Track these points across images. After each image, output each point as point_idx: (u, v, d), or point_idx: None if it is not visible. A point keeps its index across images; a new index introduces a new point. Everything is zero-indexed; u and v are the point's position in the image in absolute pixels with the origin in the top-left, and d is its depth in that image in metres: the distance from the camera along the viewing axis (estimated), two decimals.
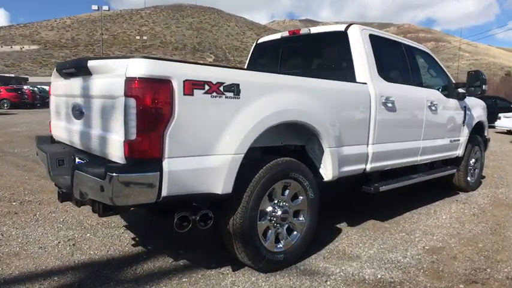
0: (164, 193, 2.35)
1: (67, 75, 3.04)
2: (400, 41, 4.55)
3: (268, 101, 2.81)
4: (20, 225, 4.00)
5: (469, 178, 5.84)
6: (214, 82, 2.50)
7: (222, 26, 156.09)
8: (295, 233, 3.21)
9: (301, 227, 3.22)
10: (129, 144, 2.27)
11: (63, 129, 3.25)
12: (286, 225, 3.16)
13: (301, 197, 3.21)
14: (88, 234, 3.79)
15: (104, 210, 2.62)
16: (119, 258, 3.29)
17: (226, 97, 2.56)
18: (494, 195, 5.82)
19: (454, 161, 5.50)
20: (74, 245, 3.53)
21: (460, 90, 5.14)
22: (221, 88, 2.53)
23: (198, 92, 2.43)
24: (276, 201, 3.02)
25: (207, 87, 2.46)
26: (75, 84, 2.90)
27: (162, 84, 2.27)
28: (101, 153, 2.61)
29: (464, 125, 5.41)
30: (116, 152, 2.39)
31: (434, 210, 4.91)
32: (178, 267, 3.12)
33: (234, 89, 2.60)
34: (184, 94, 2.36)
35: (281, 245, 3.09)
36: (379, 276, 3.03)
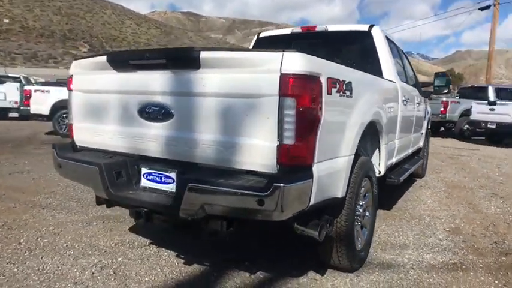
0: (312, 201, 2.14)
1: (135, 67, 2.47)
2: (395, 42, 4.93)
3: (366, 99, 2.79)
4: (14, 259, 3.13)
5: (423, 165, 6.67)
6: (341, 80, 2.37)
7: (97, 13, 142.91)
8: (364, 229, 3.26)
9: (368, 223, 3.28)
10: (286, 150, 2.00)
11: (114, 134, 2.65)
12: (360, 223, 3.18)
13: (368, 194, 3.26)
14: (120, 259, 3.18)
15: (228, 227, 2.26)
16: (187, 280, 2.86)
17: (346, 96, 2.46)
18: (441, 179, 6.77)
19: (417, 152, 6.21)
20: (115, 273, 2.93)
21: (426, 89, 5.83)
22: (344, 86, 2.42)
23: (333, 91, 2.27)
24: (361, 201, 3.02)
25: (338, 86, 2.33)
26: (157, 78, 2.39)
27: (316, 82, 2.07)
28: (218, 162, 2.23)
29: (425, 119, 6.14)
30: (260, 159, 2.08)
31: (417, 196, 5.48)
32: (263, 280, 2.87)
33: (350, 88, 2.51)
34: (327, 93, 2.19)
35: (359, 243, 3.10)
36: (441, 260, 3.29)
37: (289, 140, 1.99)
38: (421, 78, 7.15)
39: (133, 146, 2.58)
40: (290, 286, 2.78)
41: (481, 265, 3.23)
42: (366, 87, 2.84)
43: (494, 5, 20.82)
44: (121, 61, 2.54)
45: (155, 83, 2.40)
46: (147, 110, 2.45)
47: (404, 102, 4.20)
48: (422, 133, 6.04)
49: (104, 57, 2.58)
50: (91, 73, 2.74)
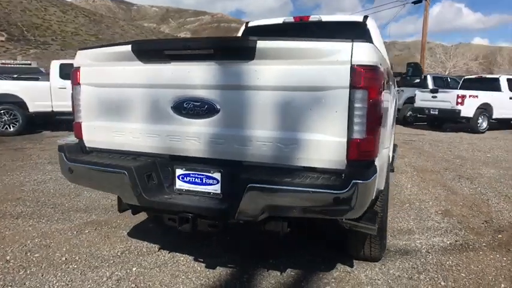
0: (373, 196, 2.10)
1: (170, 58, 2.22)
2: None
3: (393, 90, 2.80)
4: (9, 280, 2.73)
5: None
6: (387, 70, 2.34)
7: None
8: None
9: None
10: (356, 145, 1.93)
11: (141, 132, 2.38)
12: None
13: None
14: (134, 268, 2.92)
15: (288, 227, 2.14)
16: (219, 286, 2.69)
17: (391, 86, 2.45)
18: (408, 164, 7.16)
19: None
20: (136, 286, 2.67)
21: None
22: (389, 77, 2.40)
23: (386, 81, 2.24)
24: None
25: (388, 76, 2.30)
26: (198, 70, 2.17)
27: (381, 73, 2.01)
28: (274, 159, 2.09)
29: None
30: (326, 156, 1.99)
31: (396, 182, 5.72)
32: (298, 278, 2.80)
33: (392, 78, 2.49)
34: (386, 84, 2.15)
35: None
36: (449, 242, 3.47)
37: (359, 134, 1.92)
38: None
39: (165, 146, 2.33)
40: (327, 281, 2.74)
41: (484, 244, 3.46)
42: (391, 78, 2.85)
43: (426, 0, 22.40)
44: (151, 51, 2.26)
45: (196, 75, 2.17)
46: (184, 105, 2.22)
47: (395, 92, 4.33)
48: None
49: (128, 47, 2.28)
50: (107, 64, 2.42)
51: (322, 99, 1.95)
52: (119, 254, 3.15)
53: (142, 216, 4.05)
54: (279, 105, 2.04)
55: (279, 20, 4.53)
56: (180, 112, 2.24)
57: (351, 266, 2.95)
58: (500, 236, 3.65)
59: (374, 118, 1.93)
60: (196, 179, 2.31)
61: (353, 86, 1.89)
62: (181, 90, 2.23)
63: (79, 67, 2.52)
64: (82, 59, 2.50)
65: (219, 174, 2.25)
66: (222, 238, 3.43)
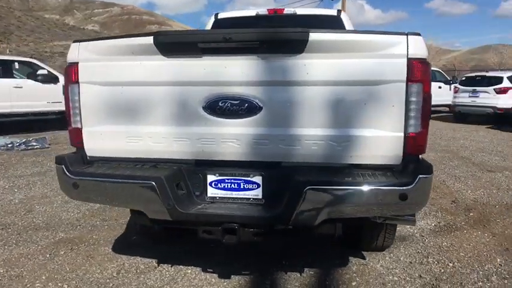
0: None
1: (201, 52, 1.96)
2: None
3: None
4: None
5: None
6: None
7: None
8: None
9: None
10: (413, 140, 1.92)
11: (164, 136, 2.09)
12: None
13: None
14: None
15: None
16: None
17: None
18: None
19: None
20: None
21: None
22: None
23: None
24: None
25: None
26: (236, 65, 1.96)
27: (430, 66, 2.01)
28: (325, 159, 1.99)
29: None
30: (382, 152, 1.94)
31: None
32: (320, 277, 2.74)
33: None
34: None
35: None
36: (434, 224, 3.71)
37: (414, 128, 1.91)
38: None
39: (195, 150, 2.08)
40: (349, 276, 2.73)
41: (462, 223, 3.76)
42: None
43: None
44: (181, 44, 1.97)
45: (235, 71, 1.96)
46: (220, 104, 1.99)
47: None
48: None
49: (148, 39, 1.97)
50: (118, 59, 2.06)
51: (377, 93, 1.89)
52: (115, 275, 2.77)
53: (118, 228, 3.66)
54: (330, 101, 1.93)
55: (252, 12, 4.37)
56: (214, 112, 2.01)
57: (363, 258, 2.98)
58: (471, 214, 4.01)
59: (427, 111, 1.92)
60: (233, 185, 2.10)
61: (410, 80, 1.86)
62: (216, 87, 1.99)
63: (76, 62, 2.11)
64: (81, 52, 2.10)
65: (260, 177, 2.07)
66: (217, 244, 3.19)
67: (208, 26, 4.42)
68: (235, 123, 2.01)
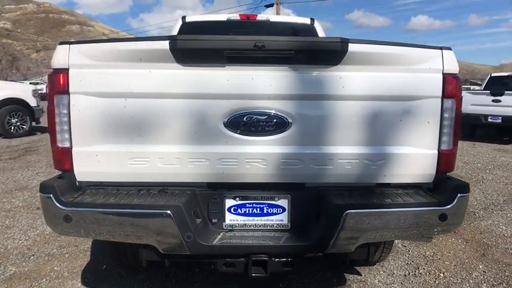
0: None
1: (225, 61, 1.71)
2: None
3: None
4: None
5: None
6: None
7: None
8: None
9: None
10: (446, 157, 1.87)
11: (178, 156, 1.79)
12: None
13: None
14: None
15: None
16: None
17: None
18: None
19: None
20: None
21: None
22: None
23: None
24: None
25: None
26: (265, 76, 1.75)
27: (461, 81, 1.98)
28: (357, 179, 1.87)
29: None
30: (415, 170, 1.87)
31: None
32: None
33: None
34: None
35: None
36: None
37: (447, 145, 1.87)
38: None
39: (213, 172, 1.81)
40: None
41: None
42: None
43: (277, 4, 24.38)
44: (202, 51, 1.70)
45: (262, 82, 1.75)
46: (244, 120, 1.76)
47: None
48: None
49: (163, 44, 1.67)
50: (119, 66, 1.72)
51: (413, 109, 1.81)
52: None
53: (82, 256, 3.18)
54: (366, 117, 1.81)
55: (223, 17, 4.15)
56: (236, 129, 1.77)
57: (359, 274, 2.91)
58: None
59: (458, 128, 1.89)
60: (255, 210, 1.88)
61: (445, 96, 1.81)
62: (240, 101, 1.76)
63: (66, 69, 1.73)
64: (73, 57, 1.72)
65: (286, 201, 1.88)
66: (199, 271, 2.91)
67: (175, 30, 4.10)
68: (261, 141, 1.79)
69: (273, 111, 1.77)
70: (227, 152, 1.80)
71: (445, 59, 1.81)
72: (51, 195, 1.68)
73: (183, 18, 4.12)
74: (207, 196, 1.86)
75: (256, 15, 4.14)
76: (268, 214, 1.88)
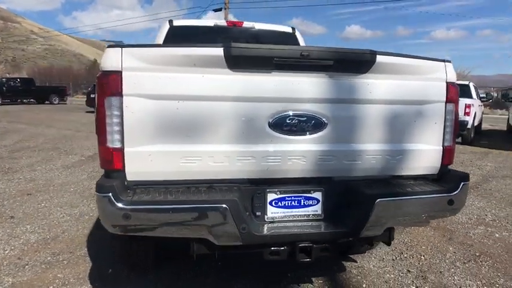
0: None
1: (273, 68, 1.89)
2: None
3: None
4: None
5: None
6: None
7: None
8: None
9: None
10: (448, 152, 2.23)
11: (227, 155, 1.93)
12: None
13: None
14: None
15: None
16: None
17: None
18: None
19: None
20: None
21: None
22: None
23: None
24: None
25: None
26: (305, 82, 1.96)
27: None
28: (380, 172, 2.15)
29: None
30: (425, 163, 2.20)
31: None
32: (330, 284, 2.87)
33: None
34: None
35: None
36: None
37: (449, 142, 2.22)
38: None
39: (259, 168, 1.98)
40: (356, 280, 2.92)
41: None
42: None
43: (225, 8, 24.62)
44: (255, 58, 1.86)
45: (305, 87, 1.96)
46: (287, 121, 1.96)
47: None
48: None
49: (218, 51, 1.81)
50: (173, 70, 1.82)
51: (424, 112, 2.14)
52: None
53: (81, 261, 3.12)
54: (388, 118, 2.09)
55: (210, 23, 4.28)
56: (280, 129, 1.96)
57: (354, 261, 3.22)
58: None
59: (456, 127, 2.25)
60: (293, 202, 2.07)
61: (448, 100, 2.16)
62: (284, 104, 1.95)
63: (119, 71, 1.79)
64: (126, 60, 1.79)
65: (320, 193, 2.10)
66: (208, 268, 3.03)
67: (162, 33, 4.15)
68: (301, 140, 2.00)
69: (311, 113, 1.99)
70: (271, 151, 1.97)
71: (447, 70, 2.17)
72: (110, 194, 1.73)
73: (170, 22, 4.18)
74: (251, 191, 2.02)
75: (243, 22, 4.32)
76: (304, 206, 2.09)
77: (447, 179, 2.20)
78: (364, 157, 2.10)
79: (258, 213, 2.04)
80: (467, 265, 3.22)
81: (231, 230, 1.82)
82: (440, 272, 3.09)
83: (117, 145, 1.84)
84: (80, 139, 10.49)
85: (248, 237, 1.86)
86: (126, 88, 1.80)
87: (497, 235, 3.93)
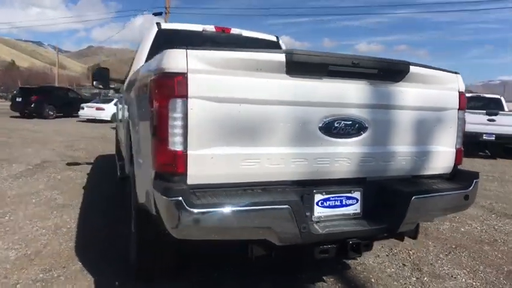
0: None
1: (325, 74, 1.99)
2: None
3: None
4: None
5: None
6: None
7: None
8: None
9: None
10: (459, 153, 2.51)
11: (282, 158, 1.98)
12: None
13: None
14: None
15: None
16: None
17: None
18: None
19: None
20: None
21: None
22: None
23: None
24: None
25: None
26: (350, 89, 2.09)
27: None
28: (408, 172, 2.36)
29: None
30: (442, 163, 2.45)
31: None
32: (341, 282, 3.02)
33: None
34: None
35: None
36: None
37: (459, 145, 2.50)
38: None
39: (309, 170, 2.05)
40: (363, 276, 3.11)
41: None
42: None
43: (166, 13, 24.15)
44: (313, 65, 1.94)
45: (351, 93, 2.09)
46: (335, 124, 2.07)
47: None
48: None
49: (280, 56, 1.87)
50: (238, 74, 1.83)
51: (443, 117, 2.39)
52: None
53: (80, 276, 2.91)
54: (415, 123, 2.30)
55: (198, 27, 4.25)
56: (328, 132, 2.06)
57: (355, 259, 3.40)
58: None
59: (464, 131, 2.54)
60: (336, 202, 2.18)
61: (459, 108, 2.44)
62: (333, 109, 2.06)
63: (184, 73, 1.76)
64: (191, 62, 1.76)
65: (359, 193, 2.23)
66: (221, 274, 3.02)
67: (150, 36, 4.04)
68: (347, 142, 2.12)
69: (355, 118, 2.12)
70: (321, 153, 2.07)
71: (459, 81, 2.45)
72: (181, 198, 1.68)
73: (158, 25, 4.08)
74: (301, 192, 2.09)
75: (230, 29, 4.36)
76: (346, 205, 2.21)
77: (459, 177, 2.47)
78: (396, 158, 2.28)
79: (308, 213, 2.11)
80: (449, 256, 3.59)
81: (293, 230, 1.87)
82: (431, 263, 3.40)
83: (180, 148, 1.79)
84: (17, 146, 9.58)
85: (307, 236, 1.93)
86: (191, 90, 1.78)
87: (462, 229, 4.41)
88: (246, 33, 4.45)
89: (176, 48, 1.79)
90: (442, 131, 2.42)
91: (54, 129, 14.92)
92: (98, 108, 19.41)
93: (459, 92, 2.45)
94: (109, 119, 19.55)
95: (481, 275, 3.21)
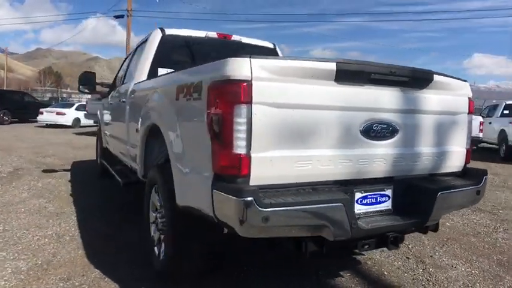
0: None
1: (366, 82, 2.16)
2: None
3: None
4: None
5: None
6: None
7: None
8: None
9: None
10: (469, 153, 2.79)
11: (331, 159, 2.13)
12: None
13: None
14: None
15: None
16: None
17: None
18: None
19: None
20: None
21: None
22: None
23: None
24: None
25: None
26: (385, 95, 2.28)
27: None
28: (429, 170, 2.59)
29: None
30: (455, 162, 2.71)
31: None
32: (351, 277, 3.20)
33: None
34: None
35: None
36: None
37: (468, 145, 2.78)
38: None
39: (352, 170, 2.21)
40: (375, 270, 3.31)
41: None
42: None
43: (128, 16, 23.52)
44: (358, 73, 2.10)
45: (385, 99, 2.28)
46: (373, 128, 2.25)
47: None
48: None
49: (331, 65, 2.02)
50: (294, 81, 1.96)
51: (457, 120, 2.66)
52: None
53: (90, 282, 2.86)
54: (435, 125, 2.54)
55: (202, 33, 4.31)
56: (368, 135, 2.24)
57: (362, 254, 3.61)
58: None
59: (471, 133, 2.83)
60: (372, 199, 2.35)
61: (469, 112, 2.72)
62: (372, 113, 2.23)
63: (249, 80, 1.86)
64: (255, 70, 1.86)
65: (391, 190, 2.42)
66: (247, 273, 3.11)
67: (154, 41, 4.04)
68: (382, 144, 2.31)
69: (390, 121, 2.32)
70: (362, 154, 2.23)
71: (468, 88, 2.73)
72: (252, 198, 1.78)
73: (162, 30, 4.09)
74: (343, 191, 2.24)
75: (232, 35, 4.46)
76: (380, 202, 2.39)
77: (469, 175, 2.74)
78: (420, 158, 2.50)
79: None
80: (444, 249, 3.90)
81: (345, 226, 2.02)
82: (430, 256, 3.68)
83: (243, 151, 1.89)
84: None
85: (356, 232, 2.08)
86: (255, 96, 1.88)
87: (448, 224, 4.78)
88: (246, 40, 4.57)
89: (240, 56, 1.88)
90: (455, 132, 2.68)
91: (13, 135, 14.13)
92: (58, 113, 18.56)
93: (468, 98, 2.73)
94: (70, 124, 18.78)
95: (476, 264, 3.53)
